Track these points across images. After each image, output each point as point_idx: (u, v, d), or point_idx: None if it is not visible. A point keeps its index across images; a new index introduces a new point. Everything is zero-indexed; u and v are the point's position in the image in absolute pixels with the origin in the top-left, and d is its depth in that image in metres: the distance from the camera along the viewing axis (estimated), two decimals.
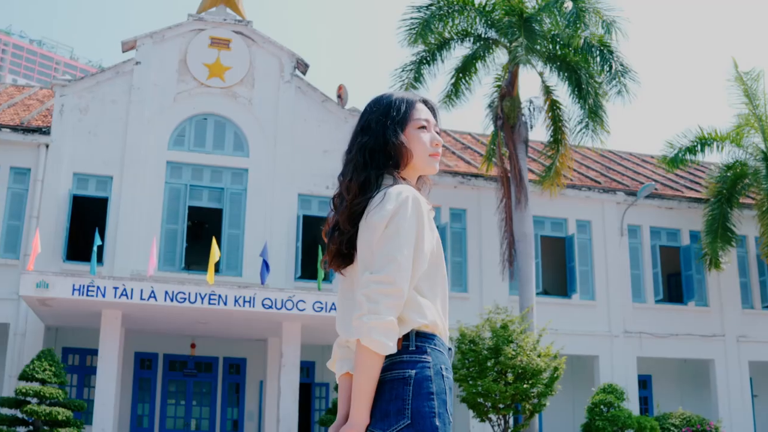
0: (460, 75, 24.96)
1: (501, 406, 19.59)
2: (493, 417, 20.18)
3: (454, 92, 25.24)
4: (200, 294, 20.02)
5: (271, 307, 20.22)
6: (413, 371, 2.89)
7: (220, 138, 25.36)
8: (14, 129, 23.93)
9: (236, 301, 20.15)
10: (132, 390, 24.82)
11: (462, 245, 26.14)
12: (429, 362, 2.91)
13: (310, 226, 25.70)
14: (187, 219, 24.85)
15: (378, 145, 3.11)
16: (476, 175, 26.50)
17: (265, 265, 21.43)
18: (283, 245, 24.49)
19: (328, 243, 3.17)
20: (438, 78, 27.18)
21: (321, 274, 21.78)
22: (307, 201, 25.39)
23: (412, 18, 23.75)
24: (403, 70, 24.76)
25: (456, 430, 25.57)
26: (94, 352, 21.78)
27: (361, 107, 27.92)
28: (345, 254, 3.14)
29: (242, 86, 25.62)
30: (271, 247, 23.60)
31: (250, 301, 20.20)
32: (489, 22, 23.99)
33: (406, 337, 2.94)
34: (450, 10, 23.71)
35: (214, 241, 21.48)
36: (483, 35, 24.42)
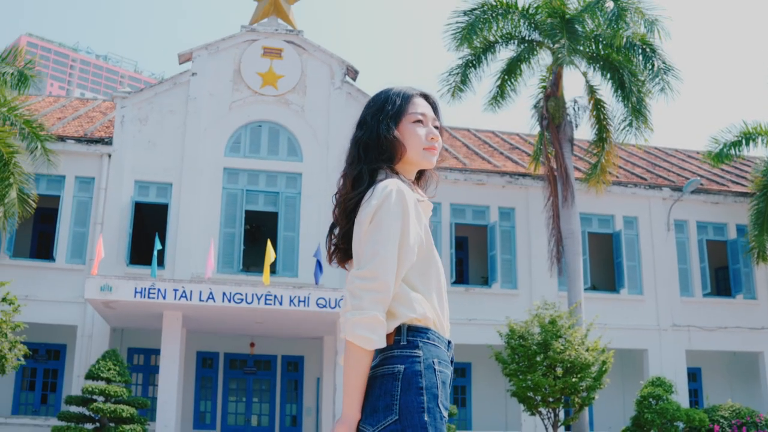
0: (506, 77, 24.77)
1: (550, 399, 19.40)
2: (543, 410, 20.00)
3: (500, 94, 25.06)
4: (257, 295, 20.08)
5: (325, 306, 20.21)
6: (402, 366, 2.78)
7: (275, 144, 25.46)
8: (78, 140, 24.28)
9: (291, 301, 20.17)
10: (194, 388, 25.02)
11: (511, 243, 25.94)
12: (419, 357, 2.79)
13: None
14: (244, 222, 24.99)
15: (371, 139, 3.01)
16: (524, 175, 26.29)
17: (319, 266, 21.44)
18: None
19: (328, 239, 3.11)
20: (484, 81, 26.88)
21: None
22: None
23: (457, 23, 23.66)
24: (449, 74, 24.67)
25: (508, 424, 25.45)
26: (158, 352, 21.98)
27: None
28: (343, 249, 3.07)
29: (294, 93, 25.70)
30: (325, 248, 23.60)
31: (304, 301, 20.20)
32: (532, 25, 23.81)
33: (398, 332, 2.84)
34: (494, 14, 23.56)
35: (269, 243, 21.53)
36: (527, 37, 24.24)
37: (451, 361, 2.97)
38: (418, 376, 2.76)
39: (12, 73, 21.49)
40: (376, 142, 3.00)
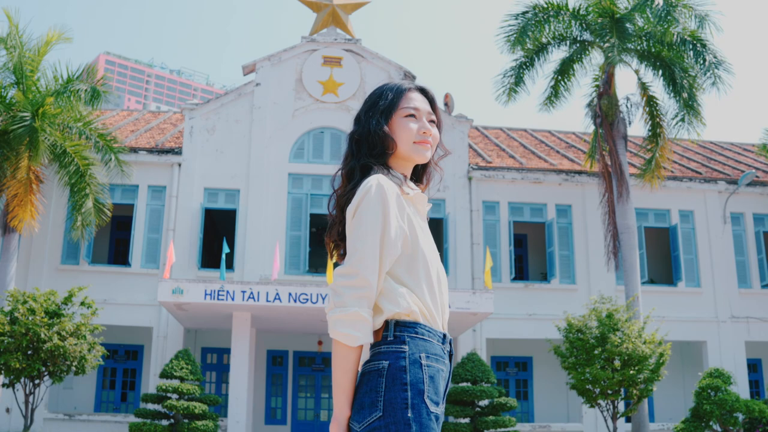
0: (559, 78, 24.44)
1: (609, 392, 19.07)
2: (602, 402, 19.70)
3: (554, 94, 24.73)
4: (321, 294, 20.10)
5: None
6: (387, 362, 2.66)
7: (337, 149, 25.52)
8: (150, 151, 24.62)
9: None
10: (265, 385, 25.19)
11: (569, 239, 25.59)
12: (405, 352, 2.67)
13: None
14: (310, 225, 25.09)
15: (363, 135, 2.92)
16: (579, 172, 25.92)
17: None
18: None
19: (327, 235, 3.03)
20: (537, 82, 26.58)
21: None
22: None
23: (509, 26, 23.42)
24: (504, 76, 24.44)
25: (570, 416, 25.11)
26: (229, 351, 22.17)
27: (468, 114, 27.21)
28: (339, 245, 2.99)
29: (354, 100, 25.72)
30: None
31: None
32: (583, 25, 23.46)
33: (386, 328, 2.72)
34: (545, 16, 23.27)
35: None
36: (578, 38, 23.87)
37: (450, 355, 2.83)
38: (402, 371, 2.64)
39: (86, 90, 21.85)
40: (367, 137, 2.91)
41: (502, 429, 19.32)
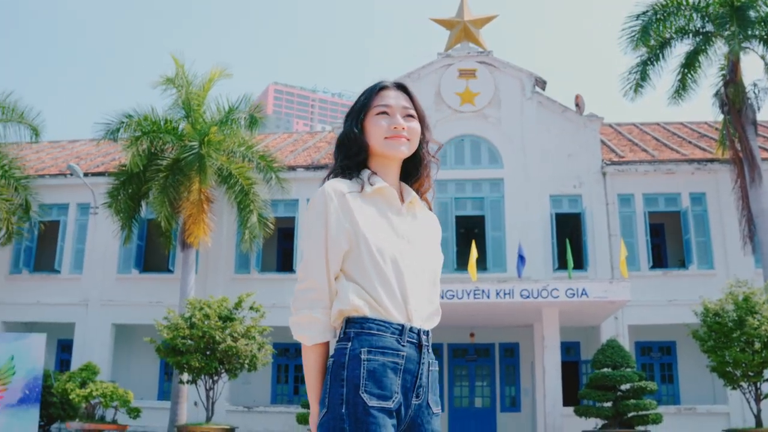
0: (685, 70, 23.22)
1: (750, 374, 17.86)
2: (744, 384, 18.49)
3: (681, 87, 23.54)
4: (466, 291, 19.87)
5: (528, 296, 19.69)
6: (332, 360, 2.50)
7: (477, 154, 25.26)
8: (307, 168, 25.11)
9: (497, 294, 19.80)
10: None
11: (705, 226, 24.25)
12: (347, 348, 2.47)
13: (562, 222, 25.03)
14: (456, 227, 24.91)
15: (341, 139, 2.73)
16: (711, 160, 24.52)
17: (521, 260, 20.99)
18: (540, 241, 24.01)
19: None
20: (663, 76, 25.37)
21: (570, 264, 20.96)
22: (558, 200, 24.69)
23: (631, 27, 22.49)
24: (629, 73, 23.47)
25: (715, 397, 23.78)
26: None
27: (598, 113, 26.43)
28: None
29: (490, 108, 25.40)
30: (529, 243, 23.22)
31: (509, 293, 19.77)
32: (705, 17, 22.20)
33: (342, 326, 2.55)
34: (666, 13, 22.16)
35: (473, 244, 21.34)
36: (701, 30, 22.60)
37: (419, 345, 2.54)
38: (341, 368, 2.46)
39: (245, 117, 22.48)
40: (344, 141, 2.71)
41: (644, 412, 18.47)
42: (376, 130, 2.67)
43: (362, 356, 2.46)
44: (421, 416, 2.54)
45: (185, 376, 19.11)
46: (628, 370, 18.85)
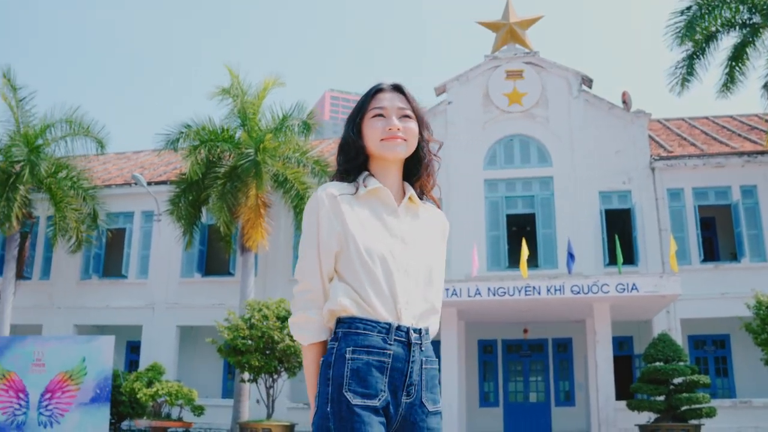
0: (733, 63, 22.73)
1: None
2: None
3: (729, 80, 23.06)
4: (517, 288, 19.77)
5: (579, 292, 19.50)
6: (322, 359, 2.52)
7: (526, 153, 25.08)
8: None
9: (548, 290, 19.65)
10: (477, 371, 25.05)
11: (756, 218, 23.68)
12: (334, 348, 2.49)
13: (612, 218, 24.72)
14: (507, 225, 24.78)
15: (341, 143, 2.74)
16: (762, 152, 23.93)
17: (570, 257, 20.79)
18: (590, 237, 23.73)
19: None
20: (710, 70, 24.83)
21: (620, 259, 20.67)
22: (608, 197, 24.37)
23: (676, 23, 22.10)
24: (676, 68, 23.08)
25: None
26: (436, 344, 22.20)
27: (646, 109, 25.80)
28: None
29: (538, 107, 25.20)
30: (579, 240, 22.98)
31: (560, 289, 19.61)
32: (752, 8, 21.69)
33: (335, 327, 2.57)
34: (711, 7, 21.74)
35: (523, 242, 21.23)
36: (748, 21, 22.10)
37: (409, 343, 2.52)
38: (327, 367, 2.48)
39: (298, 124, 22.67)
40: (343, 145, 2.72)
41: (697, 405, 18.14)
42: (372, 132, 2.66)
43: (347, 355, 2.47)
44: (414, 414, 2.53)
45: (246, 375, 19.36)
46: (680, 363, 18.52)
